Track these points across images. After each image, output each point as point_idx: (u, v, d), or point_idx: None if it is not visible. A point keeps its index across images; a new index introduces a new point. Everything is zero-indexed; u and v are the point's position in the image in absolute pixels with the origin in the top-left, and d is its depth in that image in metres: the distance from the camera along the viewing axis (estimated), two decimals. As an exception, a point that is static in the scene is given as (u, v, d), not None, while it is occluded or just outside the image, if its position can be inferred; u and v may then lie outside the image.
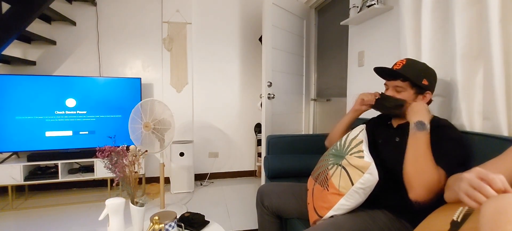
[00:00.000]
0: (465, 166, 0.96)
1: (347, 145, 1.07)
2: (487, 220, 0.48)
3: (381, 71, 1.13)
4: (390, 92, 1.10)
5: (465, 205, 0.59)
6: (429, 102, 1.09)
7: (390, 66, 1.09)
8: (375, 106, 1.16)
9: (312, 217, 1.06)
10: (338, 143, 1.14)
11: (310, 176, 1.23)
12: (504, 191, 0.53)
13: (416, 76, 1.03)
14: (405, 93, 1.05)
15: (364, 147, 1.00)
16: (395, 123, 1.15)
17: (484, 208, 0.51)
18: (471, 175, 0.57)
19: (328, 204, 0.99)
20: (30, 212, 2.17)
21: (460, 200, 0.59)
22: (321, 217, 1.01)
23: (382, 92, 1.15)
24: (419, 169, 0.87)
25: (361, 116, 1.87)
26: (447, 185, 0.73)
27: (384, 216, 0.98)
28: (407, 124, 1.08)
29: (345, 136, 1.14)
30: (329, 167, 1.07)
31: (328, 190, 1.02)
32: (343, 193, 0.96)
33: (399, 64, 1.06)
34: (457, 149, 0.92)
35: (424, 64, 1.09)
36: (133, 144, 1.97)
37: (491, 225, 0.46)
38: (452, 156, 0.90)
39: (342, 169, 1.00)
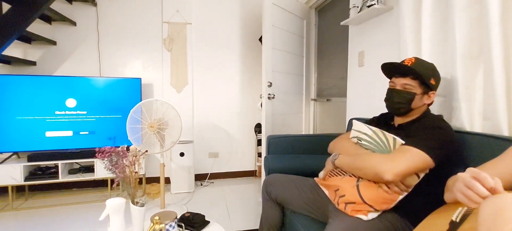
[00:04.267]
0: (451, 152, 0.95)
1: (389, 141, 1.03)
2: (485, 221, 0.48)
3: (389, 69, 1.12)
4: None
5: (464, 205, 0.60)
6: (431, 104, 1.10)
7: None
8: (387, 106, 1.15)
9: (355, 210, 1.01)
10: (378, 142, 1.07)
11: (334, 175, 1.16)
12: (495, 190, 0.53)
13: (426, 74, 1.02)
14: (413, 91, 1.05)
15: (399, 139, 0.99)
16: (397, 123, 1.15)
17: (482, 209, 0.51)
18: (465, 174, 0.59)
19: (391, 200, 0.96)
20: (31, 213, 2.17)
21: (458, 200, 0.59)
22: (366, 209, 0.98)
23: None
24: (363, 170, 1.00)
25: (361, 115, 1.87)
26: (446, 186, 0.74)
27: (390, 216, 0.98)
28: (408, 124, 1.09)
29: (374, 135, 1.08)
30: None
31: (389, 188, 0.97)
32: (411, 184, 0.94)
33: (408, 62, 1.04)
34: (439, 135, 0.94)
35: (432, 64, 1.08)
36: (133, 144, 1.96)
37: (489, 225, 0.47)
38: (431, 139, 0.93)
39: None
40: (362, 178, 1.03)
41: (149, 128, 1.95)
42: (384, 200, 0.96)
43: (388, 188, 0.95)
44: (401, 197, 0.95)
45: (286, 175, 1.39)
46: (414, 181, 0.94)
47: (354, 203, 1.00)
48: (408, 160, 0.90)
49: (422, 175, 0.94)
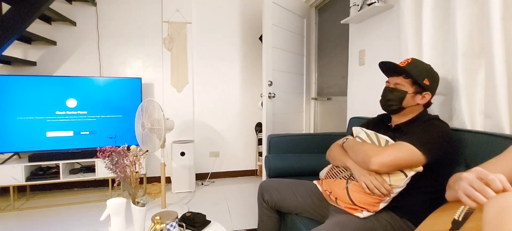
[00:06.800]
0: (446, 148, 0.96)
1: (381, 143, 1.05)
2: (491, 218, 0.48)
3: (385, 67, 1.14)
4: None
5: (466, 204, 0.59)
6: (428, 104, 1.10)
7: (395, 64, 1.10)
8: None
9: (347, 208, 1.04)
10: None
11: (328, 178, 1.18)
12: (504, 191, 0.52)
13: (418, 75, 1.04)
14: (404, 90, 1.07)
15: (392, 141, 1.02)
16: (394, 123, 1.15)
17: (487, 207, 0.50)
18: (470, 175, 0.58)
19: (376, 203, 0.99)
20: (32, 213, 2.17)
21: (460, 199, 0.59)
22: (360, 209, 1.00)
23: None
24: (357, 154, 1.04)
25: (362, 114, 1.87)
26: (448, 185, 0.73)
27: (388, 216, 0.98)
28: (404, 124, 1.09)
29: (367, 138, 1.09)
30: None
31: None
32: (397, 185, 0.95)
33: (404, 62, 1.08)
34: (432, 130, 0.96)
35: (429, 65, 1.09)
36: (134, 144, 1.97)
37: (495, 223, 0.46)
38: (423, 134, 0.94)
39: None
40: (351, 180, 1.05)
41: (140, 127, 1.97)
42: (370, 203, 0.98)
43: (370, 191, 0.97)
44: (384, 202, 0.97)
45: (281, 180, 1.37)
46: (398, 182, 0.94)
47: (346, 203, 1.04)
48: (397, 152, 0.92)
49: (410, 174, 0.93)
